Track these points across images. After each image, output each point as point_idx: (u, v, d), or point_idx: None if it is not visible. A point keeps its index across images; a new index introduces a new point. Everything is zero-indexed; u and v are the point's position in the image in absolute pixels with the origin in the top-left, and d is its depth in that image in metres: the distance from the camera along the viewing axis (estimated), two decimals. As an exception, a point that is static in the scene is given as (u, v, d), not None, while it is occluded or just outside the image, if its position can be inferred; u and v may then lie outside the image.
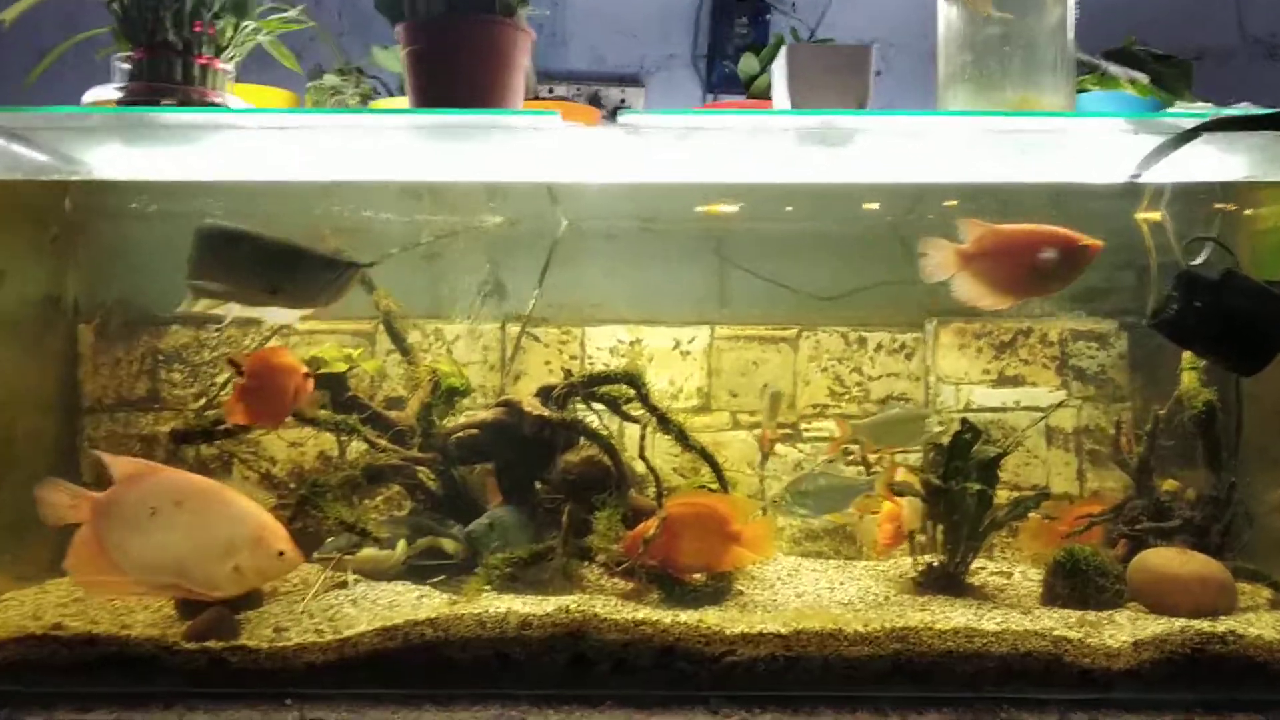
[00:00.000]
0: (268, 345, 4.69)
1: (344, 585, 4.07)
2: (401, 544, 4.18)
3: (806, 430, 5.41)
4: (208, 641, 3.46)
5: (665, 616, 3.58)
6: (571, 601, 3.70)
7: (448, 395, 4.59)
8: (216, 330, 5.16)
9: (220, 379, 4.80)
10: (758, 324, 5.23)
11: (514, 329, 5.12)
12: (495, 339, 5.19)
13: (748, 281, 5.15)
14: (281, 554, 3.47)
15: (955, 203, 4.90)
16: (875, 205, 5.15)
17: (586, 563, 4.15)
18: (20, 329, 4.81)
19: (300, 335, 5.17)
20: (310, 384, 3.85)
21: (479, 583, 3.98)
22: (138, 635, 3.51)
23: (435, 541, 4.27)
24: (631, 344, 5.21)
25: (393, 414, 4.60)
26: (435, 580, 4.13)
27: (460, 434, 4.47)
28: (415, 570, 4.19)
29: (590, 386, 4.46)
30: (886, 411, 4.85)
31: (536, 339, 5.26)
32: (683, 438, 4.56)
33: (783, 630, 3.48)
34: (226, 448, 4.95)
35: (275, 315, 4.21)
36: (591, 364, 5.04)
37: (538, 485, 4.49)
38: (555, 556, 4.12)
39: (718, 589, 4.08)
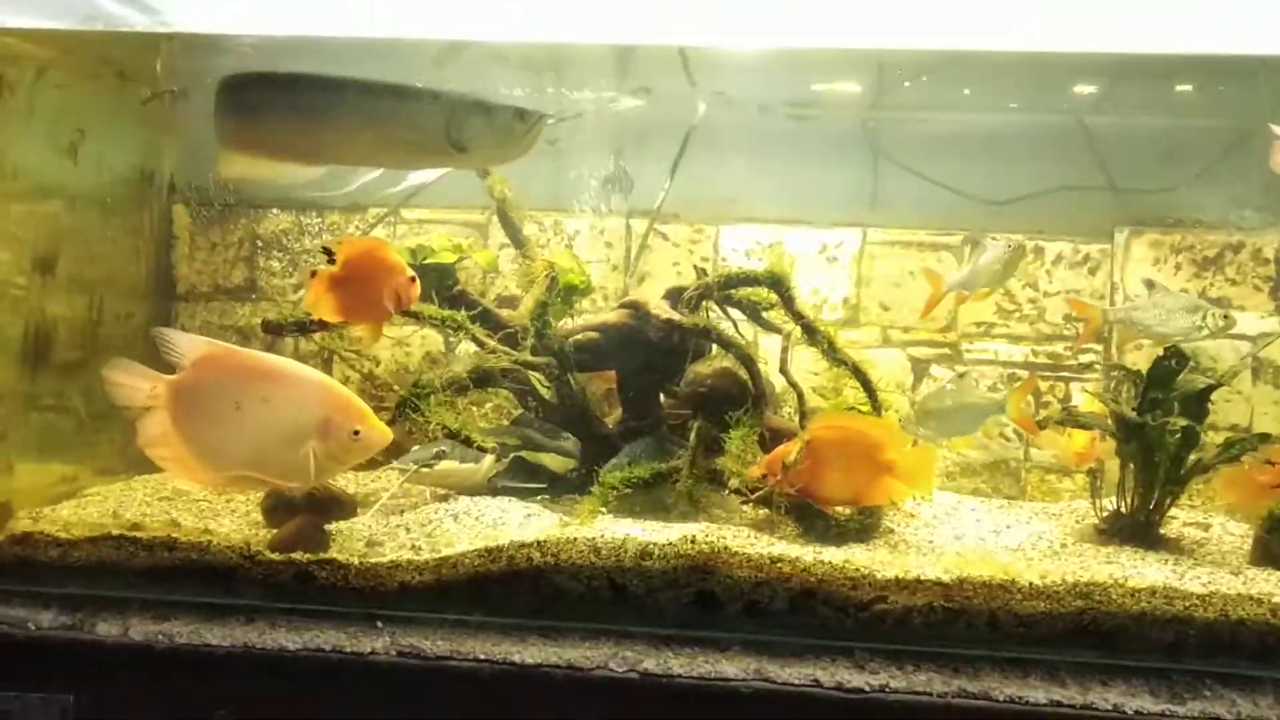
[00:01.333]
0: (369, 235, 4.19)
1: (445, 499, 3.83)
2: (489, 459, 3.89)
3: (968, 352, 4.72)
4: (294, 553, 3.26)
5: (805, 554, 3.26)
6: (698, 531, 3.39)
7: (566, 293, 4.25)
8: (318, 216, 4.69)
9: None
10: (917, 228, 4.78)
11: (640, 225, 4.68)
12: (619, 235, 4.79)
13: (907, 181, 4.71)
14: (357, 434, 3.10)
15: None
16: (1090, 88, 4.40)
17: (716, 488, 3.80)
18: (109, 204, 4.51)
19: (409, 225, 4.92)
20: (415, 289, 3.38)
21: (593, 503, 3.65)
22: (219, 542, 3.30)
23: (535, 456, 4.04)
24: (771, 246, 4.76)
25: (504, 313, 4.35)
26: (542, 497, 3.90)
27: (578, 337, 4.14)
28: (511, 488, 3.94)
29: (727, 289, 4.13)
30: (946, 391, 4.25)
31: (665, 237, 4.88)
32: (832, 351, 4.01)
33: (944, 578, 3.11)
34: (327, 344, 4.68)
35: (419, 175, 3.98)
36: (725, 266, 4.50)
37: (662, 397, 4.19)
38: (680, 478, 3.78)
39: (865, 525, 3.74)
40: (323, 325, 3.86)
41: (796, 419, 3.95)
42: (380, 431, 3.12)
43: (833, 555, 3.29)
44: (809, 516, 3.66)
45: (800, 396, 3.98)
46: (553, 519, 3.70)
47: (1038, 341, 4.61)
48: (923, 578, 3.09)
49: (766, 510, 3.72)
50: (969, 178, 4.66)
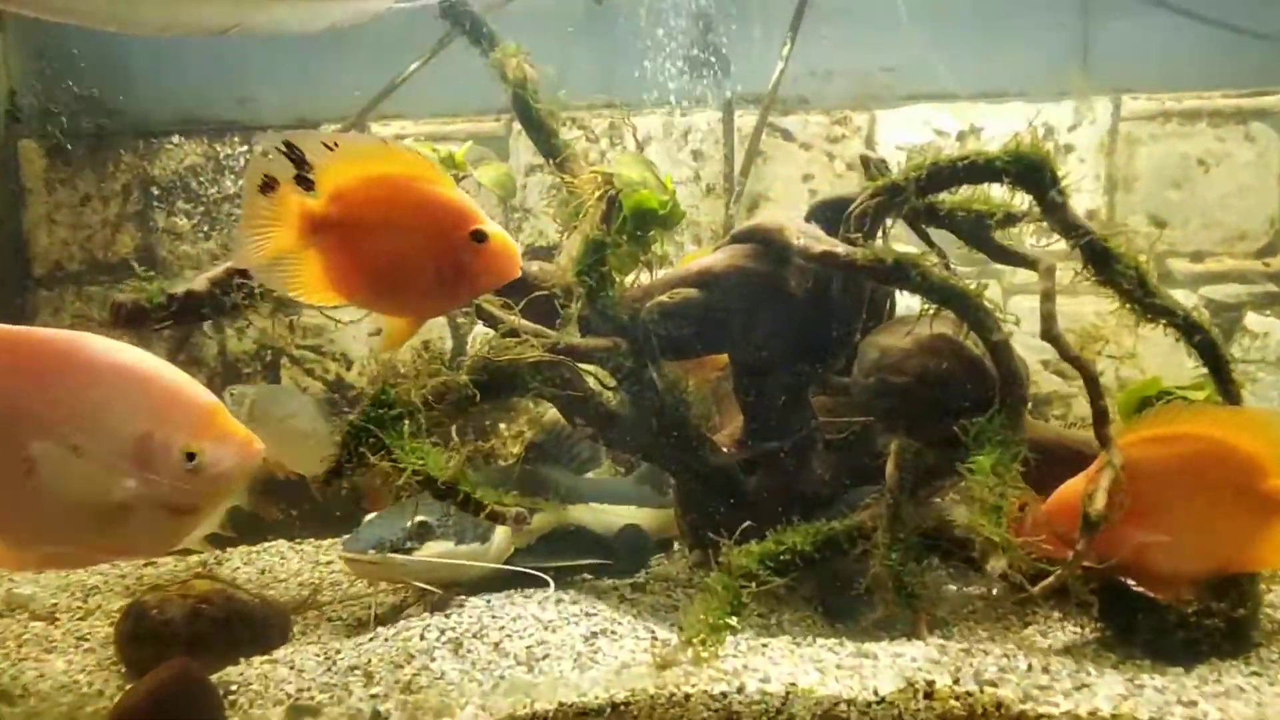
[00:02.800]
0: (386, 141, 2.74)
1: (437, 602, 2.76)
2: (499, 533, 2.78)
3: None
4: None
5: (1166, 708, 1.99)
6: (926, 662, 2.19)
7: (636, 225, 2.80)
8: (242, 144, 3.37)
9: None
10: (1203, 90, 3.54)
11: (747, 121, 3.57)
12: (714, 137, 3.71)
13: (1179, 26, 3.47)
14: (192, 458, 2.01)
15: None
16: None
17: (944, 563, 2.58)
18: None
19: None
20: (497, 258, 2.21)
21: (714, 609, 2.32)
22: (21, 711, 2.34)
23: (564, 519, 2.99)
24: (961, 135, 3.60)
25: (533, 268, 2.91)
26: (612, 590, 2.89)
27: (663, 298, 2.83)
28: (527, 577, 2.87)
29: (933, 189, 2.53)
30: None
31: (786, 135, 3.67)
32: (1144, 292, 2.41)
33: None
34: (271, 340, 3.68)
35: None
36: (884, 170, 2.87)
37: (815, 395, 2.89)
38: (875, 548, 2.43)
39: (1239, 624, 2.35)
40: (232, 308, 2.65)
41: (1091, 425, 2.40)
42: (239, 447, 2.08)
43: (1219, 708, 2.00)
44: (1136, 611, 2.37)
45: (1092, 382, 2.39)
46: (638, 644, 2.41)
47: None
48: None
49: (1061, 605, 2.49)
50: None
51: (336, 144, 2.18)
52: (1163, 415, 2.36)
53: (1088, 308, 3.41)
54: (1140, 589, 2.37)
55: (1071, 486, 2.28)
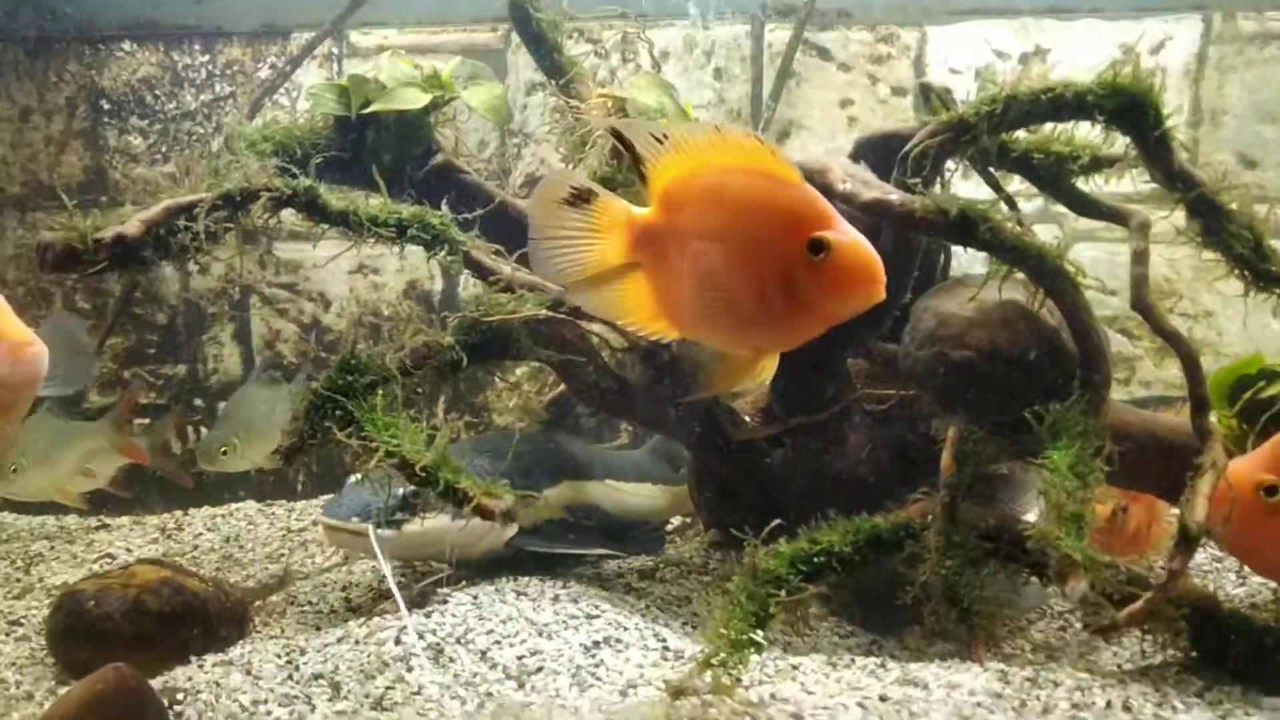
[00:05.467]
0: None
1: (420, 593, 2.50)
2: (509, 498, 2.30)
3: None
4: None
5: None
6: (986, 701, 1.86)
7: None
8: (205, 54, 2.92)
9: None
10: None
11: (778, 36, 3.33)
12: (740, 54, 3.37)
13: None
14: None
15: None
16: None
17: (1018, 577, 2.23)
18: None
19: (364, 57, 3.45)
20: (855, 280, 1.83)
21: (735, 621, 1.98)
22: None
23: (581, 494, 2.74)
24: (1024, 58, 3.22)
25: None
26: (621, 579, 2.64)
27: None
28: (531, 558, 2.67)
29: (1008, 127, 2.17)
30: None
31: (822, 53, 3.41)
32: (1258, 253, 2.11)
33: None
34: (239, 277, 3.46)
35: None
36: (948, 102, 2.53)
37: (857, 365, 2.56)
38: (927, 555, 2.09)
39: None
40: (180, 250, 2.26)
41: (1188, 412, 2.12)
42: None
43: None
44: (1229, 632, 2.05)
45: (1191, 363, 2.09)
46: (646, 657, 2.16)
47: None
48: None
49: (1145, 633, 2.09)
50: None
51: (666, 135, 1.86)
52: None
53: (1159, 259, 3.10)
54: None
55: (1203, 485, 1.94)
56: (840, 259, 1.72)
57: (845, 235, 1.74)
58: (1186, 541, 1.91)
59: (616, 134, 1.83)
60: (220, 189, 2.23)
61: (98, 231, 2.17)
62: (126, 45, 3.51)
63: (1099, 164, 2.30)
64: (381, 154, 2.59)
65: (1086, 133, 2.29)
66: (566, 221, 1.88)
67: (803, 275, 1.76)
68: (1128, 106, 2.13)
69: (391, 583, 2.30)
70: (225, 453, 3.10)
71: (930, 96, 2.37)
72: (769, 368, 1.95)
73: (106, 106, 3.53)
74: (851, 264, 1.74)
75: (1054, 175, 2.35)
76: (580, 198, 1.85)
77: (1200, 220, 2.10)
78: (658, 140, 1.80)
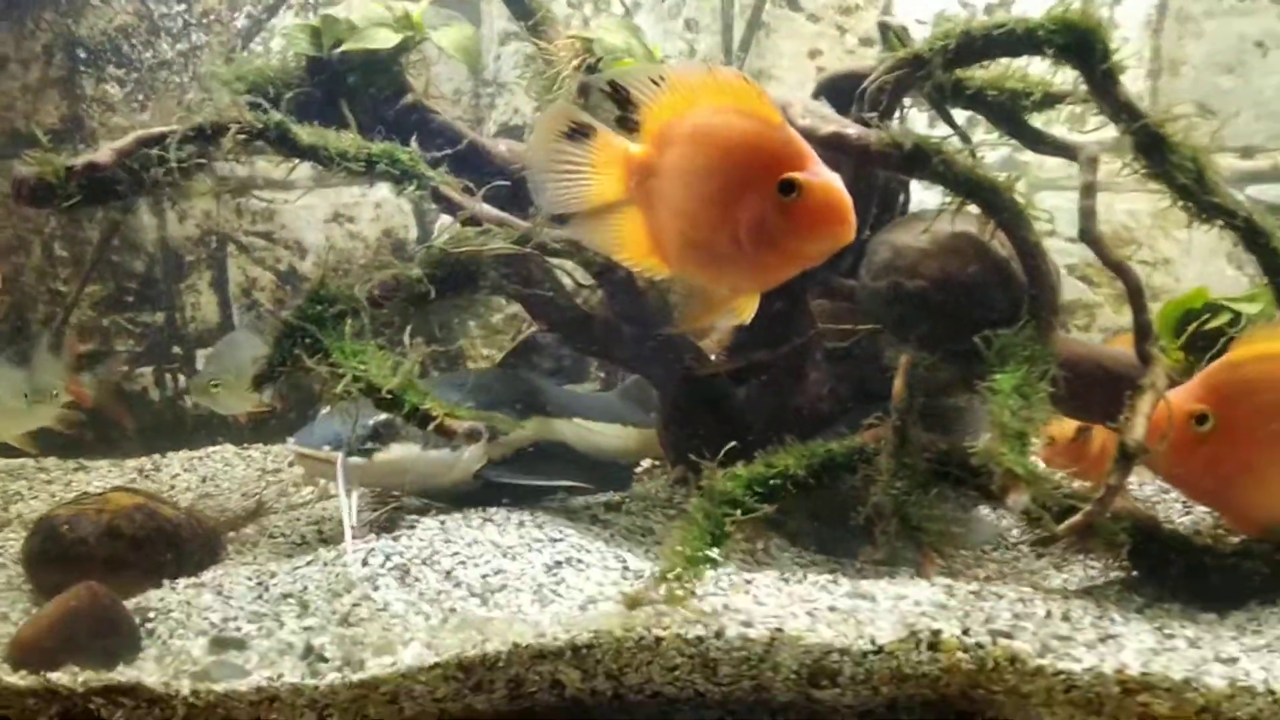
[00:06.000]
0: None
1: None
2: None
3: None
4: (56, 669, 1.97)
5: (1202, 663, 1.80)
6: (932, 609, 1.97)
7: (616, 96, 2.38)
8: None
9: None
10: None
11: None
12: (710, 6, 3.49)
13: None
14: None
15: None
16: None
17: (965, 499, 2.32)
18: None
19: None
20: (824, 221, 1.87)
21: (694, 539, 2.04)
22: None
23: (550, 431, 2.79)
24: (990, 7, 3.33)
25: (500, 146, 2.71)
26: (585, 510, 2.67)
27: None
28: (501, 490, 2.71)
29: (961, 63, 2.25)
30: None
31: (791, 3, 3.53)
32: (1202, 186, 2.16)
33: None
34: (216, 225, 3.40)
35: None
36: (906, 39, 2.61)
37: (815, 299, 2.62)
38: (880, 478, 2.15)
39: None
40: (153, 185, 2.30)
41: (1133, 343, 2.20)
42: None
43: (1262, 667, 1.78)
44: (1169, 550, 2.15)
45: (1136, 292, 2.18)
46: (607, 576, 2.23)
47: None
48: None
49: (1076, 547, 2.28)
50: None
51: (663, 77, 1.89)
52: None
53: (1120, 205, 3.15)
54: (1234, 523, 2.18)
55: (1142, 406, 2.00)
56: (809, 199, 1.75)
57: (816, 176, 1.76)
58: (1125, 459, 1.99)
59: (611, 83, 1.86)
60: (192, 121, 2.29)
61: (68, 162, 2.23)
62: None
63: (1051, 99, 2.35)
64: (353, 93, 2.59)
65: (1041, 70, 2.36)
66: (566, 154, 1.91)
67: (773, 215, 1.77)
68: (1076, 41, 2.19)
69: (344, 506, 2.35)
70: (217, 387, 3.06)
71: (889, 34, 2.43)
72: (748, 308, 1.97)
73: (83, 55, 3.53)
74: (821, 204, 1.76)
75: (1008, 111, 2.40)
76: (580, 132, 1.88)
77: (1145, 153, 2.16)
78: (654, 82, 1.83)
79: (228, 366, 3.08)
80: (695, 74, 1.87)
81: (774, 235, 1.84)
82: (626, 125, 1.91)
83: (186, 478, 3.21)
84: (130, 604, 2.16)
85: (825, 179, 1.78)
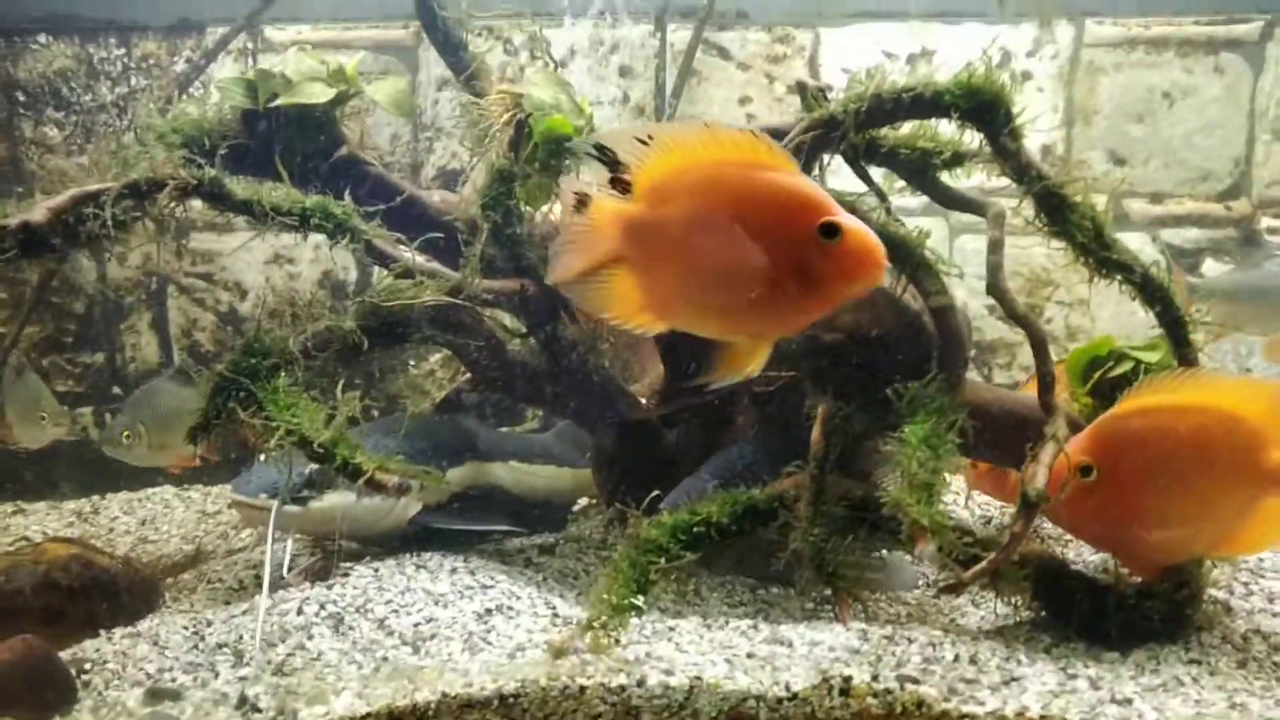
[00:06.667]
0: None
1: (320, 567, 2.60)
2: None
3: (1274, 234, 3.25)
4: None
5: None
6: (846, 654, 2.04)
7: (548, 153, 2.55)
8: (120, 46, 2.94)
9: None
10: (1173, 15, 3.36)
11: (680, 35, 3.47)
12: (645, 53, 3.44)
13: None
14: None
15: None
16: None
17: (879, 544, 2.38)
18: None
19: (277, 52, 3.47)
20: (856, 254, 1.89)
21: (619, 586, 2.09)
22: None
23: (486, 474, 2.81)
24: (912, 58, 3.40)
25: (435, 198, 2.76)
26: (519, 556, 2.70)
27: None
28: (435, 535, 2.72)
29: (874, 124, 2.34)
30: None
31: (722, 52, 3.48)
32: (1100, 245, 2.23)
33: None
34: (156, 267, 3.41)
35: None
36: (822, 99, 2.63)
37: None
38: (799, 524, 2.20)
39: (1179, 605, 2.21)
40: (89, 239, 2.28)
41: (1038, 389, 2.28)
42: None
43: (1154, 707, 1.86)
44: (1073, 592, 2.21)
45: (1039, 345, 2.24)
46: (536, 623, 2.26)
47: None
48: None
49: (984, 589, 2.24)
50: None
51: (651, 136, 1.89)
52: (1167, 384, 2.17)
53: (1038, 250, 3.25)
54: (1127, 564, 2.22)
55: (1040, 459, 2.05)
56: (851, 242, 1.78)
57: (852, 220, 1.80)
58: (1028, 507, 2.03)
59: (596, 145, 1.86)
60: (127, 178, 2.30)
61: (3, 219, 2.23)
62: (42, 38, 3.49)
63: (959, 159, 2.41)
64: (287, 147, 2.58)
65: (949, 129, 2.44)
66: (573, 225, 1.92)
67: (815, 259, 1.79)
68: (980, 107, 2.25)
69: (268, 556, 2.35)
70: (128, 437, 2.96)
71: (806, 94, 2.50)
72: (761, 356, 1.97)
73: (22, 98, 3.51)
74: (861, 247, 1.79)
75: (920, 169, 2.43)
76: (581, 202, 1.90)
77: (1046, 212, 2.23)
78: (642, 142, 1.84)
79: (143, 416, 2.98)
80: (690, 131, 1.88)
81: (815, 279, 1.85)
82: (617, 185, 1.92)
83: (126, 520, 3.19)
84: (66, 655, 2.14)
85: (859, 223, 1.82)
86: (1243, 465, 2.11)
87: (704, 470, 2.49)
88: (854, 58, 3.43)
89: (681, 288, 1.89)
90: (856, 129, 2.33)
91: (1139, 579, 2.23)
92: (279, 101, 2.60)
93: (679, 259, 1.87)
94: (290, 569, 2.52)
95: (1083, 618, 2.20)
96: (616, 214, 1.88)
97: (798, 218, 1.83)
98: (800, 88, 2.55)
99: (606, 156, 1.89)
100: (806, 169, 2.44)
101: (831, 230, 1.78)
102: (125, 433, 2.96)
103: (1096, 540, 2.32)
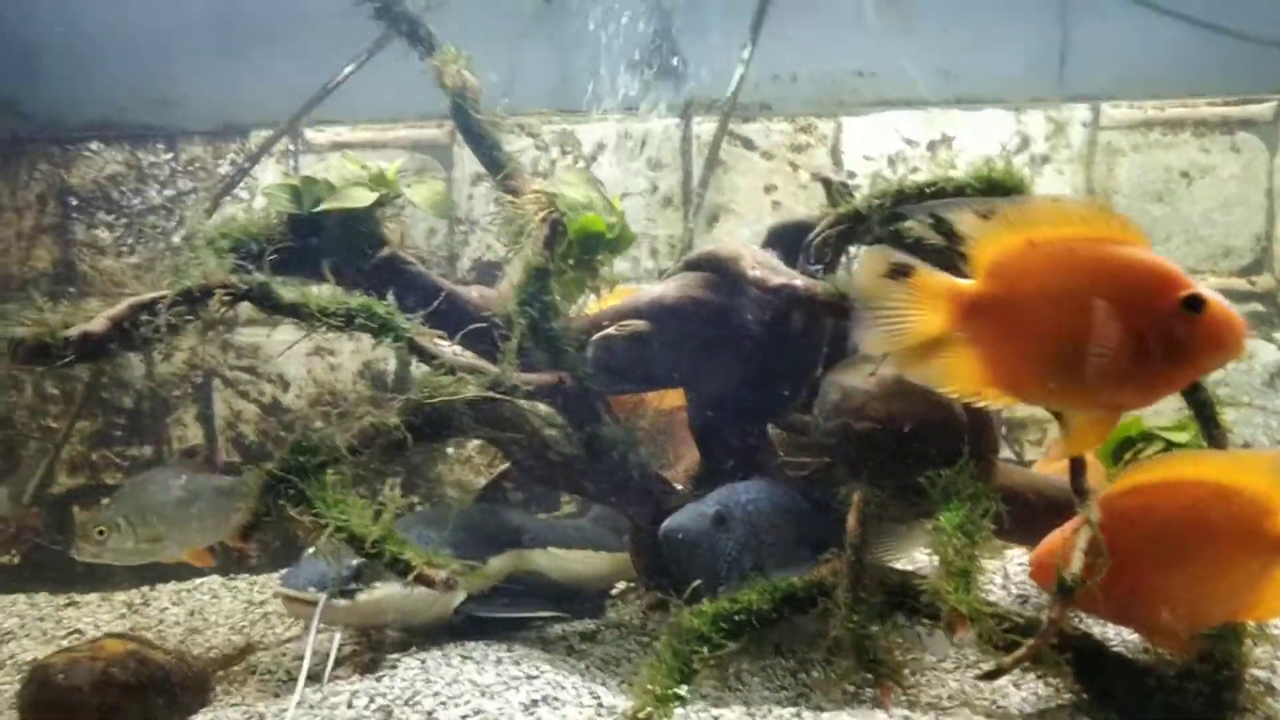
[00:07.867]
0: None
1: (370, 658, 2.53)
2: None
3: (1298, 308, 3.34)
4: None
5: None
6: None
7: (582, 249, 2.65)
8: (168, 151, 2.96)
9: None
10: (1188, 97, 3.41)
11: (706, 128, 3.54)
12: (671, 146, 3.54)
13: (1161, 27, 3.35)
14: None
15: None
16: None
17: (916, 628, 2.39)
18: None
19: (318, 153, 3.56)
20: (1226, 333, 1.93)
21: (660, 678, 2.06)
22: None
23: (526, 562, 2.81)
24: (932, 145, 3.39)
25: (474, 293, 2.78)
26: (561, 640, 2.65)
27: (612, 331, 2.65)
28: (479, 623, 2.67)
29: (898, 218, 2.34)
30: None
31: (747, 144, 3.54)
32: None
33: None
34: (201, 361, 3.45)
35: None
36: (854, 185, 2.70)
37: (776, 435, 2.70)
38: (837, 610, 2.18)
39: (1218, 682, 2.14)
40: (144, 342, 2.34)
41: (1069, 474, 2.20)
42: None
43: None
44: (1114, 673, 2.18)
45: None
46: (581, 713, 2.18)
47: None
48: None
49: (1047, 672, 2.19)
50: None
51: (992, 211, 1.89)
52: (1162, 462, 2.23)
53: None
54: (1144, 634, 2.22)
55: (1060, 534, 2.10)
56: (1214, 314, 1.81)
57: (1212, 293, 1.83)
58: (1064, 592, 2.05)
59: (934, 215, 1.93)
60: (180, 285, 2.36)
61: (66, 329, 2.30)
62: (94, 145, 3.59)
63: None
64: (331, 249, 2.63)
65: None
66: (888, 294, 1.93)
67: (1179, 331, 1.81)
68: (1000, 197, 2.31)
69: (308, 650, 2.38)
70: (102, 533, 2.73)
71: (831, 189, 2.55)
72: (1111, 428, 2.00)
73: (74, 202, 3.60)
74: (1225, 319, 1.82)
75: (946, 258, 2.53)
76: (900, 271, 1.92)
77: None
78: (983, 216, 1.87)
79: (126, 510, 2.78)
80: (1036, 207, 1.90)
81: (1178, 350, 1.86)
82: (945, 259, 1.94)
83: (175, 611, 3.21)
84: (122, 753, 2.19)
85: (1218, 295, 1.83)
86: (1246, 535, 2.09)
87: (709, 498, 2.50)
88: (875, 145, 3.46)
89: (1038, 364, 1.89)
90: (881, 223, 2.37)
91: (1179, 660, 2.18)
92: (323, 206, 2.67)
93: (1037, 336, 1.87)
94: (337, 662, 2.54)
95: (1124, 700, 2.18)
96: (949, 290, 1.90)
97: (1160, 292, 1.84)
98: (824, 183, 2.60)
99: (943, 229, 1.93)
100: (832, 263, 2.50)
101: (1196, 303, 1.79)
102: (98, 528, 2.74)
103: (1113, 617, 2.29)
